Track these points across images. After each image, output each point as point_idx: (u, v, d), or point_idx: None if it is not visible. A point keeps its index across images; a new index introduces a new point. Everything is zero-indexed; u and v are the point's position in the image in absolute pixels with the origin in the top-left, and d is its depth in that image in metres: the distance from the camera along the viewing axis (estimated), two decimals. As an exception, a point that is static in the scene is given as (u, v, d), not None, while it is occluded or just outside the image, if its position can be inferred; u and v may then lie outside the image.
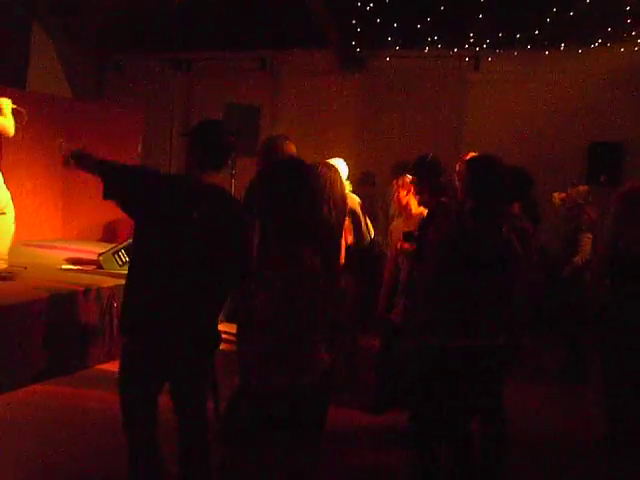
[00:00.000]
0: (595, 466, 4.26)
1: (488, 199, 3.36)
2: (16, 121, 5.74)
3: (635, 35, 8.38)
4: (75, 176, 6.32)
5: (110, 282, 5.95)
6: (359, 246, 5.20)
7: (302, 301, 2.65)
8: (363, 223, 5.27)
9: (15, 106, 5.80)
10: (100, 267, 6.67)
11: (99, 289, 5.80)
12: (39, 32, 9.47)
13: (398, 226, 4.88)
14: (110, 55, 10.88)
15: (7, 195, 5.92)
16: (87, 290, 5.70)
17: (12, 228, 5.95)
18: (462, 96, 9.42)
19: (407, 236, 4.52)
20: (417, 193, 4.45)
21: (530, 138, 8.79)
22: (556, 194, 6.45)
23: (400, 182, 5.05)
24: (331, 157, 4.97)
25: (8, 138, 6.14)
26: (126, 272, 3.16)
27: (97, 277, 6.26)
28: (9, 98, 5.89)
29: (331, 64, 9.93)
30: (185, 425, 3.15)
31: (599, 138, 8.62)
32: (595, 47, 8.63)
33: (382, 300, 4.95)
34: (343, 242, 5.03)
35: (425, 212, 4.37)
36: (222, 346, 3.16)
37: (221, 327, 3.22)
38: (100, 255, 6.79)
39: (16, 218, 6.23)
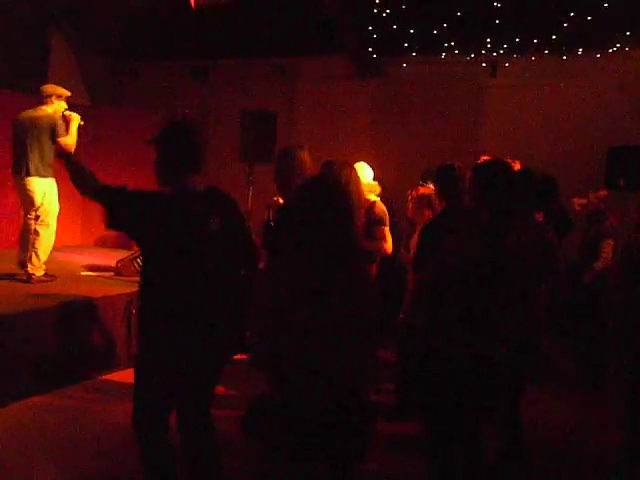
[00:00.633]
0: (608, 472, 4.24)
1: (498, 208, 3.19)
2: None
3: (654, 39, 8.32)
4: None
5: (128, 289, 5.97)
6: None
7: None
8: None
9: (83, 122, 6.09)
10: (119, 274, 6.71)
11: (117, 296, 5.83)
12: (58, 39, 9.57)
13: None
14: (127, 62, 10.95)
15: (57, 208, 6.17)
16: (105, 297, 5.73)
17: (53, 239, 6.20)
18: (479, 101, 9.38)
19: None
20: (439, 201, 4.46)
21: (548, 143, 8.73)
22: (575, 199, 6.41)
23: (413, 193, 5.06)
24: (348, 164, 4.96)
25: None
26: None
27: (116, 284, 6.30)
28: (30, 105, 5.95)
29: (347, 70, 9.93)
30: (192, 433, 3.14)
31: (618, 142, 8.54)
32: (613, 51, 8.56)
33: (405, 310, 4.96)
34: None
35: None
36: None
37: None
38: (119, 262, 6.84)
39: None
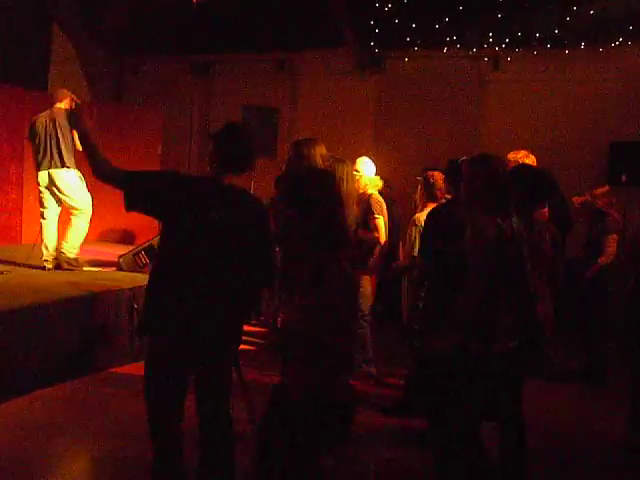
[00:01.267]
0: (612, 469, 4.24)
1: (486, 203, 3.19)
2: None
3: (657, 33, 8.30)
4: (96, 180, 6.60)
5: (130, 283, 5.97)
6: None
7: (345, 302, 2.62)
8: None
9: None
10: (120, 269, 6.71)
11: (119, 290, 5.83)
12: (59, 35, 9.57)
13: None
14: (129, 58, 10.95)
15: (88, 197, 6.44)
16: (107, 291, 5.73)
17: (87, 226, 6.54)
18: (481, 96, 9.37)
19: None
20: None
21: (550, 137, 8.71)
22: (575, 198, 6.40)
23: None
24: (349, 158, 4.97)
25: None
26: (146, 273, 3.19)
27: (117, 278, 6.30)
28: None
29: (349, 65, 9.92)
30: (207, 425, 3.15)
31: (620, 137, 8.52)
32: (616, 46, 8.54)
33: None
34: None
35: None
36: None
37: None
38: (120, 257, 6.84)
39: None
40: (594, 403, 5.59)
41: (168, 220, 3.08)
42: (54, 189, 6.34)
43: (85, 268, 6.69)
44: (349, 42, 9.52)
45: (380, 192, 5.61)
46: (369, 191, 5.46)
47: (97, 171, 3.10)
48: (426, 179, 5.02)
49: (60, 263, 6.43)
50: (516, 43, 8.84)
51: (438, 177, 4.91)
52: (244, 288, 3.07)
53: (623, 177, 8.10)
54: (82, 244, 6.65)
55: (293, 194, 2.88)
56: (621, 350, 5.45)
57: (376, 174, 5.63)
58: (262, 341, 6.56)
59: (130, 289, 5.86)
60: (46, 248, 6.44)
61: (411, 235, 4.96)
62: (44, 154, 6.26)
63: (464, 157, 4.47)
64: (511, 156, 4.79)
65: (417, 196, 5.15)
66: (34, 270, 6.41)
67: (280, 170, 5.13)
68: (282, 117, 8.85)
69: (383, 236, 5.26)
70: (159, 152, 9.20)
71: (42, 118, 6.38)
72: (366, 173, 5.53)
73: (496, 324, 3.20)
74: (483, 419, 3.40)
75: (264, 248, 3.13)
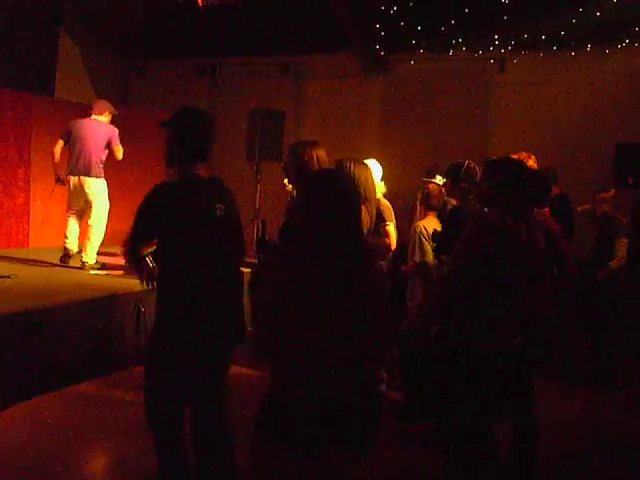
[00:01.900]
0: (622, 469, 4.23)
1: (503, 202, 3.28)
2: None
3: (663, 35, 8.28)
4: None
5: (137, 287, 5.98)
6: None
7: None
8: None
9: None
10: (128, 272, 6.72)
11: (127, 294, 5.84)
12: (66, 40, 9.60)
13: None
14: (134, 61, 10.98)
15: (108, 205, 6.92)
16: (114, 294, 5.74)
17: (103, 233, 6.99)
18: (487, 98, 9.36)
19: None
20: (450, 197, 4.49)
21: (557, 140, 8.70)
22: (580, 208, 6.43)
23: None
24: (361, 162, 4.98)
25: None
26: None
27: (125, 282, 6.31)
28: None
29: (355, 68, 9.92)
30: (204, 424, 3.15)
31: (627, 139, 8.50)
32: (622, 47, 8.53)
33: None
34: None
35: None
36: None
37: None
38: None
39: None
40: (602, 404, 5.58)
41: (164, 229, 3.10)
42: (82, 194, 6.80)
43: (92, 271, 6.72)
44: (355, 45, 9.52)
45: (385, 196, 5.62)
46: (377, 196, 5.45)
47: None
48: (423, 191, 5.23)
49: (85, 269, 6.80)
50: (522, 45, 8.83)
51: (432, 188, 5.16)
52: (235, 274, 3.14)
53: (630, 179, 8.07)
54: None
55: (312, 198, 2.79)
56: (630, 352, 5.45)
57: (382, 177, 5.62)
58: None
59: (137, 292, 5.86)
60: (67, 237, 6.95)
61: (414, 242, 5.04)
62: (77, 160, 6.71)
63: (467, 161, 4.52)
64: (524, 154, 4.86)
65: (417, 202, 5.30)
66: (41, 274, 6.43)
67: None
68: (288, 120, 8.85)
69: (394, 242, 5.24)
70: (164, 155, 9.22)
71: (80, 125, 6.78)
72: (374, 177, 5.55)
73: (498, 322, 3.20)
74: (491, 419, 3.39)
75: (239, 234, 3.26)
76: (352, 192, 2.65)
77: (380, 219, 5.14)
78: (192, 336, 3.02)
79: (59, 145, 6.82)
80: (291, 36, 9.49)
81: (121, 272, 6.77)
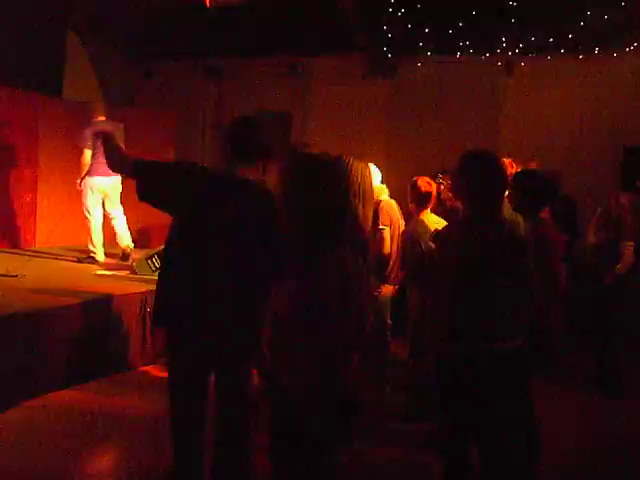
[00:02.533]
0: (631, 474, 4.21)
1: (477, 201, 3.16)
2: None
3: (671, 38, 8.26)
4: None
5: (143, 287, 5.99)
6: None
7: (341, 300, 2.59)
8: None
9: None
10: (134, 272, 6.73)
11: (133, 294, 5.85)
12: (73, 41, 9.63)
13: None
14: (142, 62, 11.00)
15: None
16: (120, 295, 5.75)
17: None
18: (495, 101, 9.33)
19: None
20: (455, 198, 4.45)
21: (564, 143, 8.68)
22: (591, 227, 6.35)
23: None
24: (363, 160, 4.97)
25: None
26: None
27: (131, 282, 6.32)
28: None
29: (361, 70, 9.92)
30: (225, 413, 3.14)
31: (634, 142, 8.48)
32: (630, 50, 8.50)
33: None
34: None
35: None
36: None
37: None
38: (134, 261, 6.86)
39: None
40: (608, 410, 5.55)
41: (179, 215, 3.06)
42: (102, 194, 7.17)
43: (99, 272, 6.74)
44: (362, 47, 9.52)
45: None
46: (381, 197, 5.42)
47: (112, 160, 3.19)
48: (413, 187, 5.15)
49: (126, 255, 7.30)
50: (529, 48, 8.81)
51: (420, 184, 5.06)
52: (258, 282, 3.06)
53: (637, 182, 8.04)
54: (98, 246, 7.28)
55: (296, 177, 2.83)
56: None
57: (387, 180, 5.62)
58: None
59: (142, 293, 5.87)
60: (92, 244, 7.29)
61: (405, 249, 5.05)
62: (99, 162, 6.73)
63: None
64: (506, 160, 4.84)
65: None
66: (48, 273, 6.45)
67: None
68: (294, 121, 8.86)
69: (387, 247, 5.22)
70: (172, 156, 9.23)
71: (106, 124, 7.00)
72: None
73: (487, 324, 3.12)
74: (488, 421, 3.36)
75: (274, 243, 3.08)
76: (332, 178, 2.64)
77: (376, 221, 5.10)
78: (189, 331, 3.01)
79: (88, 155, 7.06)
80: (298, 37, 9.49)
81: (127, 272, 6.79)
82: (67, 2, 9.20)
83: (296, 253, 2.93)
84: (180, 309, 3.01)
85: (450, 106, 9.36)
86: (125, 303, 5.73)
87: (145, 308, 5.76)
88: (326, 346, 2.93)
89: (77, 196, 7.39)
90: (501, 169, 3.30)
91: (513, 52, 8.98)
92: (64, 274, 6.50)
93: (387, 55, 9.58)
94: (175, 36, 9.85)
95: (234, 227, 2.99)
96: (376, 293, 5.01)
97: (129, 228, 7.51)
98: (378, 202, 5.36)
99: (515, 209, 3.98)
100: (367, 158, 5.61)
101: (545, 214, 4.16)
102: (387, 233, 5.22)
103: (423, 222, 4.90)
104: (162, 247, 3.26)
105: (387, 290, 5.22)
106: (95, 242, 7.32)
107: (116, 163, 3.19)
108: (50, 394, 4.85)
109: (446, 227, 3.45)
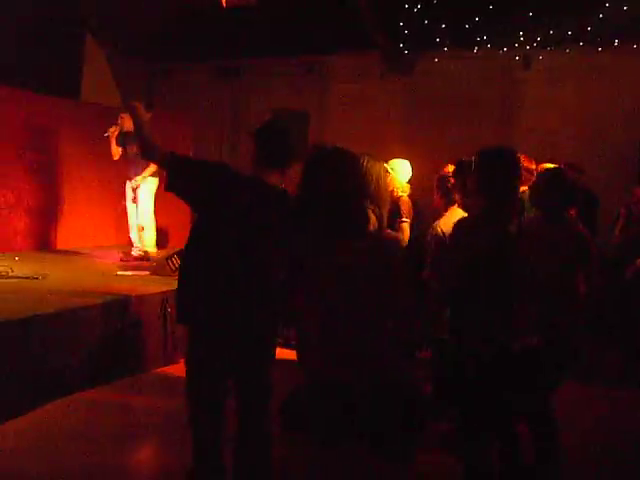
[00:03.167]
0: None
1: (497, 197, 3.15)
2: None
3: (692, 28, 8.13)
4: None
5: (164, 288, 6.01)
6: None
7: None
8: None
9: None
10: (154, 273, 6.76)
11: (153, 295, 5.87)
12: (91, 44, 9.69)
13: None
14: (158, 63, 11.05)
15: None
16: (140, 295, 5.78)
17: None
18: (513, 95, 9.27)
19: None
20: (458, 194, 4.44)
21: (583, 136, 8.60)
22: (618, 223, 6.29)
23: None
24: (379, 160, 4.94)
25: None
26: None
27: (151, 283, 6.35)
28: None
29: (378, 67, 9.90)
30: (246, 412, 3.15)
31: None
32: (650, 42, 8.41)
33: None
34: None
35: None
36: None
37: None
38: (154, 261, 6.89)
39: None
40: (631, 405, 5.49)
41: (204, 213, 3.11)
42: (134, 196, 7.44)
43: (119, 272, 6.77)
44: (378, 44, 9.48)
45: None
46: (399, 193, 5.54)
47: (147, 148, 3.18)
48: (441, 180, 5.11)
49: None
50: (547, 41, 8.73)
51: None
52: (278, 283, 3.10)
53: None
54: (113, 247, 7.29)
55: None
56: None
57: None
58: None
59: (162, 293, 5.90)
60: (152, 244, 7.55)
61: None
62: (134, 164, 7.23)
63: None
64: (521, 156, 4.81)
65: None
66: (69, 275, 6.49)
67: None
68: (311, 120, 8.86)
69: (406, 239, 5.31)
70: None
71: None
72: (400, 176, 5.61)
73: (506, 321, 3.10)
74: (515, 418, 3.33)
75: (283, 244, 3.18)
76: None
77: (398, 214, 5.24)
78: (211, 329, 3.04)
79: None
80: (314, 36, 9.48)
81: (147, 273, 6.82)
82: (84, 4, 9.26)
83: (313, 242, 2.95)
84: (201, 306, 3.05)
85: (468, 101, 9.31)
86: (146, 303, 5.75)
87: (166, 308, 5.78)
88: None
89: (97, 198, 7.49)
90: (517, 164, 3.29)
91: (531, 46, 8.90)
92: (84, 275, 6.53)
93: (404, 52, 9.54)
94: (192, 38, 9.88)
95: (258, 230, 3.03)
96: None
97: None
98: (399, 197, 5.48)
99: (541, 207, 3.92)
100: (386, 154, 5.63)
101: (572, 212, 4.12)
102: (407, 226, 5.29)
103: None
104: (181, 248, 3.31)
105: None
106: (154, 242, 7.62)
107: (150, 151, 3.20)
108: (69, 395, 4.89)
109: (464, 219, 3.44)
